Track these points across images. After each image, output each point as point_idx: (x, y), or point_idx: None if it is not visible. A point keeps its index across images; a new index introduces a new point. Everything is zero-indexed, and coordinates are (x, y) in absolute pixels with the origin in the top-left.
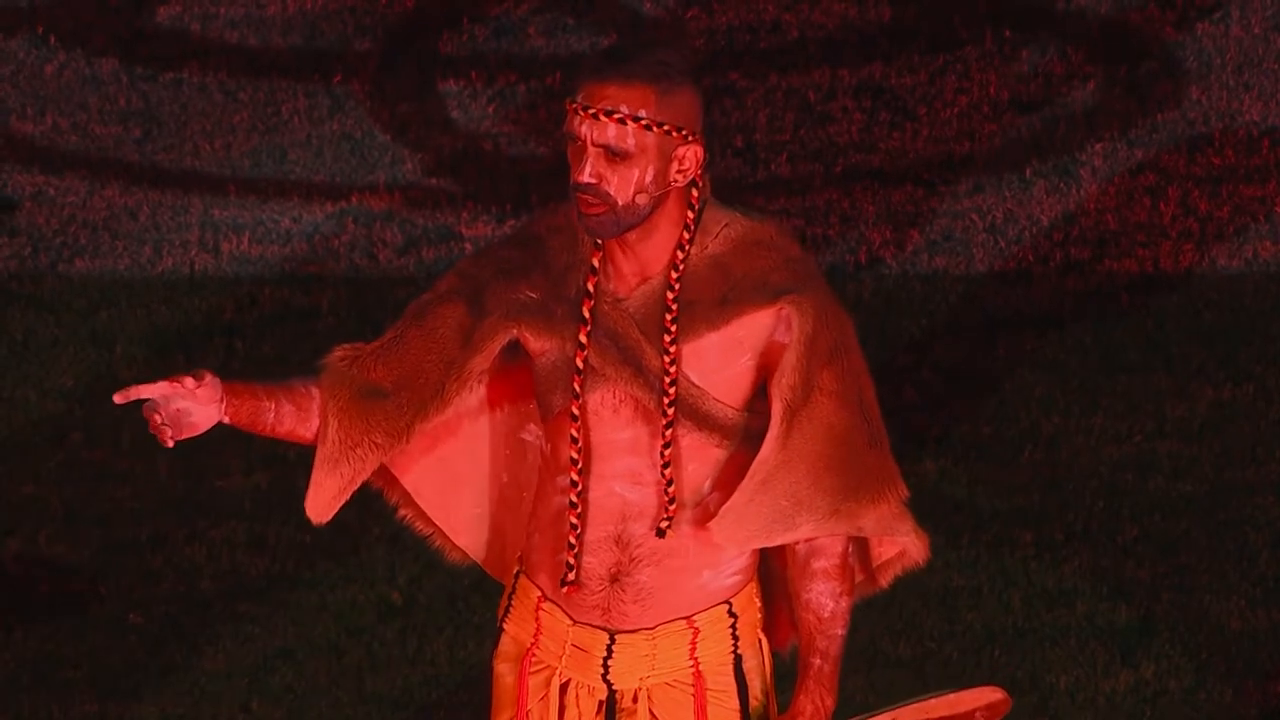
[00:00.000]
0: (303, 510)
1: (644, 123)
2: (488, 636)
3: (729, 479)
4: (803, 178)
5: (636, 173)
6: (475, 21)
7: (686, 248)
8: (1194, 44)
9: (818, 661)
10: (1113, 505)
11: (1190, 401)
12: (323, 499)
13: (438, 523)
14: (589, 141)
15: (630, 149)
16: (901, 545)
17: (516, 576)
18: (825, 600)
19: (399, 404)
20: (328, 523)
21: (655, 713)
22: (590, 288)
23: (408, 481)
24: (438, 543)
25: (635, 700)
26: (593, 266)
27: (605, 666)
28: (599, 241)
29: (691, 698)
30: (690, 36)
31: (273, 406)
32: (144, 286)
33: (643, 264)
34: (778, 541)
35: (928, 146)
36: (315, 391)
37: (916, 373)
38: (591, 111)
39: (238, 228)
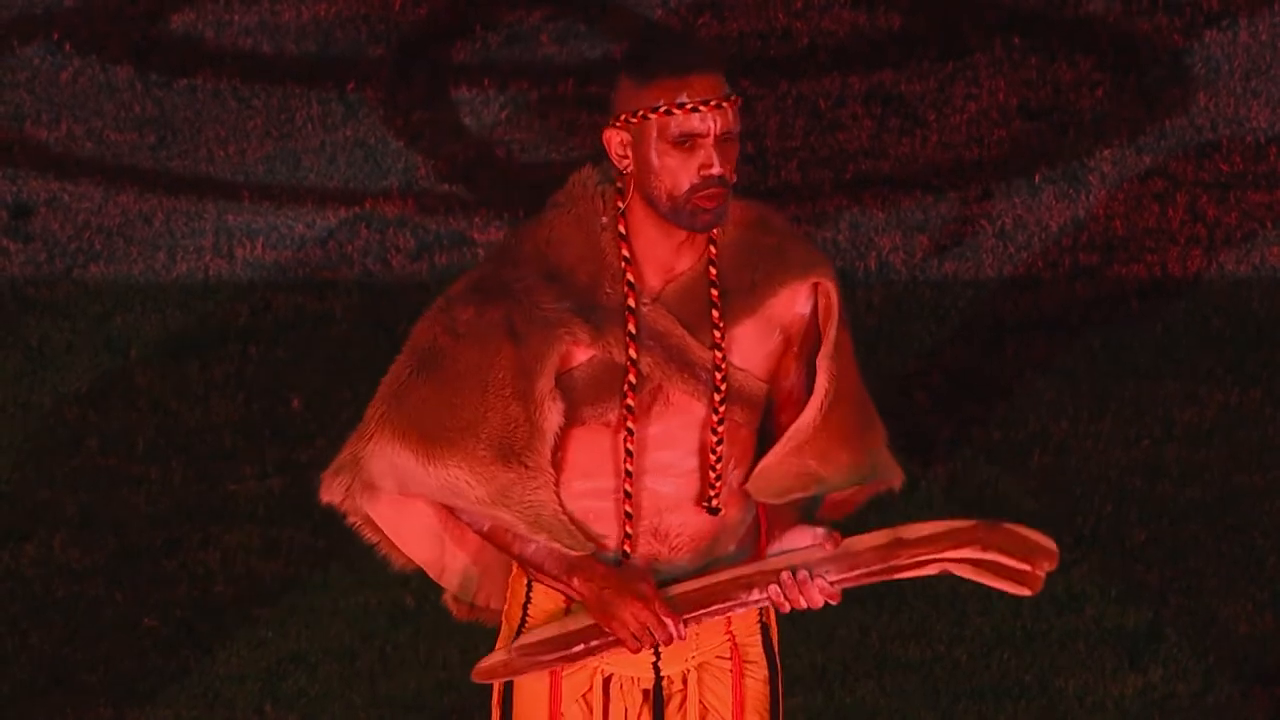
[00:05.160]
0: (316, 514)
1: (738, 102)
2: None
3: (746, 450)
4: (813, 184)
5: (736, 151)
6: (488, 29)
7: (717, 236)
8: (1202, 51)
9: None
10: (1121, 509)
11: (1198, 406)
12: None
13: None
14: (712, 134)
15: (739, 129)
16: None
17: (528, 587)
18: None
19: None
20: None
21: (702, 693)
22: (631, 299)
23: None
24: (384, 550)
25: (685, 683)
26: (626, 277)
27: (656, 654)
28: (627, 249)
29: (730, 673)
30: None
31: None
32: (158, 292)
33: (676, 259)
34: (797, 496)
35: (937, 153)
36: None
37: (926, 377)
38: (714, 103)
39: (252, 233)
